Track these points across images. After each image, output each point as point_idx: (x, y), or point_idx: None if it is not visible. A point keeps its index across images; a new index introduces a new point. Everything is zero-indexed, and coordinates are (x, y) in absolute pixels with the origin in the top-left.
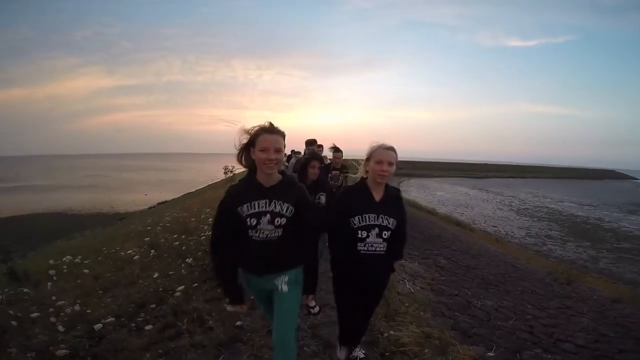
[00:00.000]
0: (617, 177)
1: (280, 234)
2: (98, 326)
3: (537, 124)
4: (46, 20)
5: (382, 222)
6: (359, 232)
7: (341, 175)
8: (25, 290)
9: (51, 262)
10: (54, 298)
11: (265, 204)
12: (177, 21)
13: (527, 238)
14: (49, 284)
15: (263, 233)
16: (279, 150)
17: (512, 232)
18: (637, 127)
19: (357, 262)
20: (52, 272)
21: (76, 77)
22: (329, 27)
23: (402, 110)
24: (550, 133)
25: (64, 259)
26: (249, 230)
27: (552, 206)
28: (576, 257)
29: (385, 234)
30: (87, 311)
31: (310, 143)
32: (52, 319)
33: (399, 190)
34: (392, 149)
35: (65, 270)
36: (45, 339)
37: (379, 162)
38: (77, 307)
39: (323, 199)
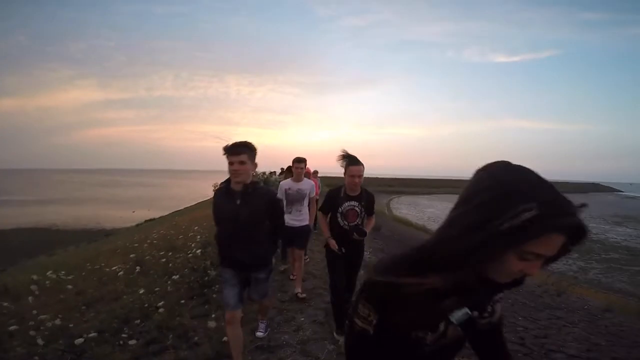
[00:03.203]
0: (601, 190)
1: None
2: (79, 340)
3: (525, 139)
4: (44, 30)
5: None
6: None
7: (363, 208)
8: (5, 304)
9: (34, 277)
10: (34, 312)
11: None
12: (174, 35)
13: None
14: (30, 298)
15: None
16: None
17: None
18: (619, 139)
19: None
20: (34, 287)
21: (69, 89)
22: (323, 45)
23: (392, 127)
24: (537, 148)
25: (47, 273)
26: None
27: None
28: (566, 268)
29: None
30: (69, 326)
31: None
32: (32, 333)
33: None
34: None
35: (47, 285)
36: (23, 352)
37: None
38: (58, 322)
39: None
